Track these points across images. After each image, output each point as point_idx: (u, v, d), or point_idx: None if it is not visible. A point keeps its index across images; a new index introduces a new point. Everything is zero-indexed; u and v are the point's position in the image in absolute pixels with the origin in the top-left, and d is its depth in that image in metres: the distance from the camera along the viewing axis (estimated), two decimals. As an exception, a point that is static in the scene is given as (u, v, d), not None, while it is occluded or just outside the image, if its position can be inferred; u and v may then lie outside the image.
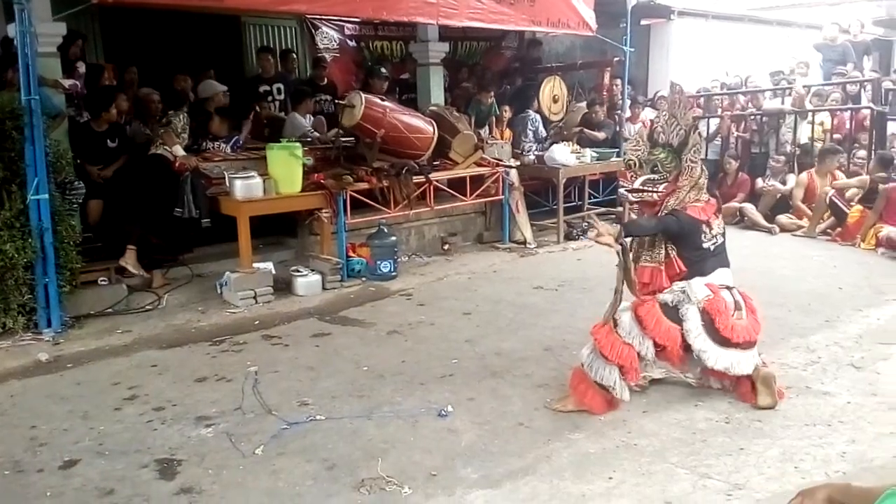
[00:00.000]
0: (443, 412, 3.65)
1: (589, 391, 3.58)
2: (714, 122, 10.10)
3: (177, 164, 5.75)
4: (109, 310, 5.38)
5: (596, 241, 3.58)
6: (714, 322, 3.54)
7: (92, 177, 5.78)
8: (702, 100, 10.45)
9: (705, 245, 3.66)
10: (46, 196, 4.83)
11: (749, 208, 8.56)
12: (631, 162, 3.84)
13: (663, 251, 3.67)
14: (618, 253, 3.61)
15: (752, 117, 9.84)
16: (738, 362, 3.58)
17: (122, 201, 5.75)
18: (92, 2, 4.99)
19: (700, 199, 3.69)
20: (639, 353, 3.56)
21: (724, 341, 3.55)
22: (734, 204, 8.67)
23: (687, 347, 3.59)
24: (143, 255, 5.71)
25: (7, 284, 4.81)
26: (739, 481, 2.98)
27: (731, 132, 9.77)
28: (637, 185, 3.76)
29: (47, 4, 5.18)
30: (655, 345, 3.57)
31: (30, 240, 4.80)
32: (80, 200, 5.50)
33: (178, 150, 5.87)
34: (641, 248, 3.76)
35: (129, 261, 5.61)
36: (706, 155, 9.91)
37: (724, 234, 3.77)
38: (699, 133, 3.85)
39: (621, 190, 3.91)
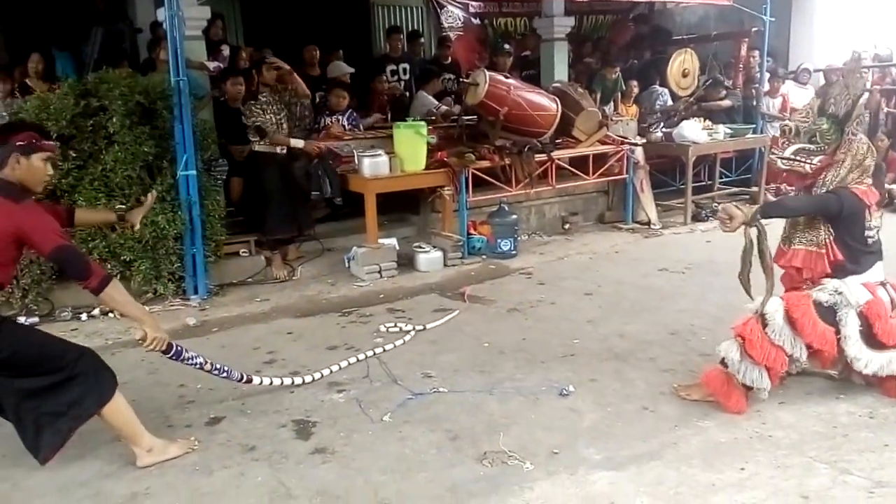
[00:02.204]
0: (564, 391, 3.65)
1: (734, 393, 3.36)
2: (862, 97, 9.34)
3: (314, 151, 5.91)
4: (249, 279, 5.75)
5: (724, 228, 3.30)
6: (872, 328, 3.28)
7: (234, 156, 6.11)
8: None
9: (867, 233, 3.36)
10: (194, 172, 5.19)
11: (901, 190, 7.91)
12: (786, 128, 3.57)
13: (822, 233, 3.37)
14: (749, 239, 3.34)
15: (906, 91, 9.04)
16: (889, 363, 3.33)
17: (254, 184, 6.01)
18: (233, -14, 5.27)
19: (863, 182, 3.37)
20: (790, 356, 3.32)
21: (879, 345, 3.30)
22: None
23: (840, 350, 3.34)
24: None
25: (159, 253, 5.23)
26: (883, 479, 2.80)
27: (882, 108, 9.01)
28: (789, 153, 3.46)
29: (193, -11, 5.51)
30: (808, 347, 3.32)
31: (179, 213, 5.18)
32: (224, 177, 5.87)
33: (297, 143, 5.89)
34: (795, 229, 3.48)
35: (276, 264, 5.90)
36: (852, 132, 9.24)
37: (879, 230, 3.45)
38: (863, 104, 3.50)
39: (772, 156, 3.59)
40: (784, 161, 3.49)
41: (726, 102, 8.45)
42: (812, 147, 3.42)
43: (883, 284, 3.40)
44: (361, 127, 6.92)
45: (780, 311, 3.31)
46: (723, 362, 3.40)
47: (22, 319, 4.88)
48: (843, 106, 3.38)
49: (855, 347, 3.29)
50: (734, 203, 3.33)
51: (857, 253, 3.35)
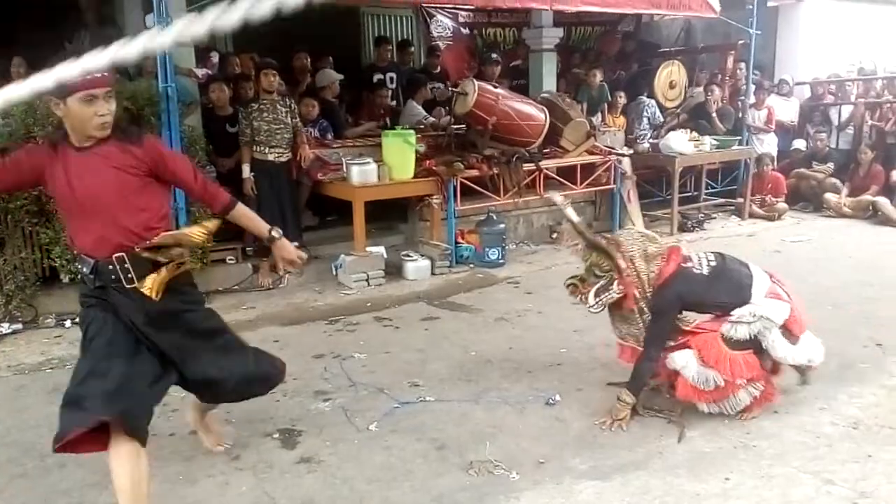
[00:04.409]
0: (551, 400, 3.65)
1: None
2: (847, 110, 9.48)
3: (245, 189, 5.74)
4: (236, 287, 5.73)
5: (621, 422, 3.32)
6: (791, 330, 3.35)
7: (218, 167, 6.05)
8: (833, 86, 9.82)
9: (704, 272, 3.34)
10: (182, 179, 5.15)
11: (883, 202, 8.00)
12: (572, 285, 3.55)
13: (642, 328, 3.40)
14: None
15: (889, 105, 9.16)
16: (813, 348, 3.43)
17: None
18: (222, -7, 5.26)
19: (660, 255, 3.36)
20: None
21: (794, 339, 3.37)
22: (867, 197, 8.16)
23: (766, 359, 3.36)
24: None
25: (145, 260, 5.17)
26: (866, 489, 2.82)
27: (866, 120, 9.14)
28: (593, 300, 3.41)
29: (182, -5, 5.48)
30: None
31: (166, 219, 5.14)
32: (211, 184, 5.82)
33: (245, 171, 5.79)
34: (615, 321, 3.52)
35: (262, 271, 5.88)
36: (837, 144, 9.37)
37: (714, 254, 3.45)
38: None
39: (590, 308, 3.48)
40: (596, 307, 3.44)
41: (722, 128, 8.42)
42: (602, 281, 3.39)
43: (773, 281, 3.42)
44: (330, 136, 6.83)
45: (692, 360, 3.28)
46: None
47: (6, 326, 4.84)
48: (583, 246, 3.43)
49: (781, 349, 3.32)
50: (616, 405, 3.35)
51: (727, 294, 3.33)
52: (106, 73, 2.45)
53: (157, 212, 2.59)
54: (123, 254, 2.51)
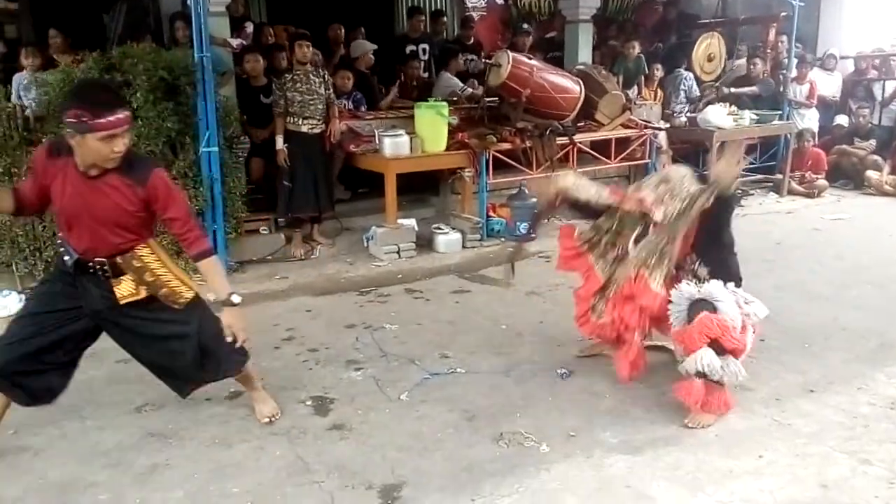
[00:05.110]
0: (564, 374, 3.65)
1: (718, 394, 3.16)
2: (891, 86, 9.19)
3: (279, 160, 5.75)
4: (269, 257, 5.78)
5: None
6: None
7: (252, 138, 6.08)
8: (877, 61, 9.50)
9: None
10: (216, 149, 5.19)
11: (928, 180, 7.78)
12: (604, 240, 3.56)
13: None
14: None
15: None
16: None
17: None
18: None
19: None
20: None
21: None
22: (911, 175, 7.92)
23: None
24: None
25: (181, 229, 5.24)
26: (904, 471, 2.78)
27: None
28: (633, 249, 3.36)
29: (217, -36, 5.48)
30: None
31: (201, 189, 5.20)
32: (246, 155, 5.87)
33: (279, 142, 5.76)
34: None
35: (295, 242, 5.93)
36: (880, 121, 9.10)
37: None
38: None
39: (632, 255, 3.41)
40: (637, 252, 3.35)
41: (753, 89, 8.29)
42: (639, 228, 3.37)
43: None
44: (364, 108, 6.80)
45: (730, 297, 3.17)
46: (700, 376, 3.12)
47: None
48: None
49: None
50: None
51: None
52: (128, 113, 2.64)
53: (143, 235, 2.83)
54: (105, 259, 2.78)
